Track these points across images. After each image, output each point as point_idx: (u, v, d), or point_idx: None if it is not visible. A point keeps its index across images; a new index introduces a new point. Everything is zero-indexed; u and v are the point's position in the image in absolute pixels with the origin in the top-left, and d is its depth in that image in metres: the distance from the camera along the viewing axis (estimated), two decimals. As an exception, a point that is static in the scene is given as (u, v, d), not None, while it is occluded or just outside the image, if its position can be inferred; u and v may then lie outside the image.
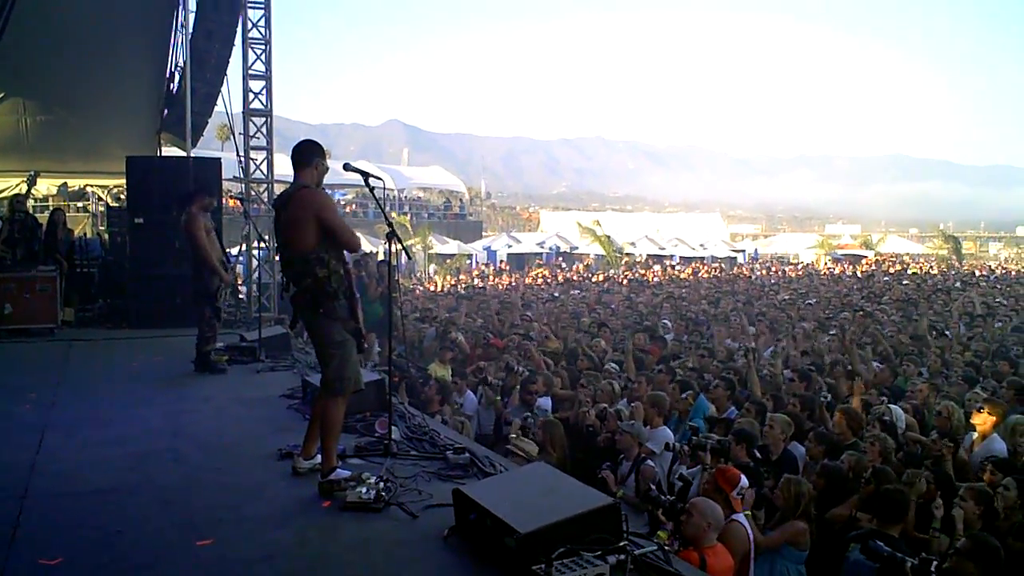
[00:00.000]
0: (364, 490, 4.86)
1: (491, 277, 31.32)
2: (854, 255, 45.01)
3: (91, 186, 25.59)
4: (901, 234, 71.36)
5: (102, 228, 18.92)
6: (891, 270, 34.49)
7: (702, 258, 42.58)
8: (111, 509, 4.88)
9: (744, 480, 5.38)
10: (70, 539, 4.42)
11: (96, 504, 4.97)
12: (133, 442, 6.33)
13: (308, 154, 5.41)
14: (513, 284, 27.74)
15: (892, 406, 8.18)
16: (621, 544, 3.93)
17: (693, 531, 4.83)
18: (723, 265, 39.24)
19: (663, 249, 45.05)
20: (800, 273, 33.55)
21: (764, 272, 34.24)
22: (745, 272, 34.57)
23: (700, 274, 32.41)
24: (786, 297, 20.79)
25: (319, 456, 5.46)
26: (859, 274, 31.62)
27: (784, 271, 35.01)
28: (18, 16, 11.37)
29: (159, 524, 4.66)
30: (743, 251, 48.97)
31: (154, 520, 4.72)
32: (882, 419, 7.47)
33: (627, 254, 43.00)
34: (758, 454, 6.59)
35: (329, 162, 5.76)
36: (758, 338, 13.10)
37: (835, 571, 5.23)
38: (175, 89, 16.06)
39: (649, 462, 6.68)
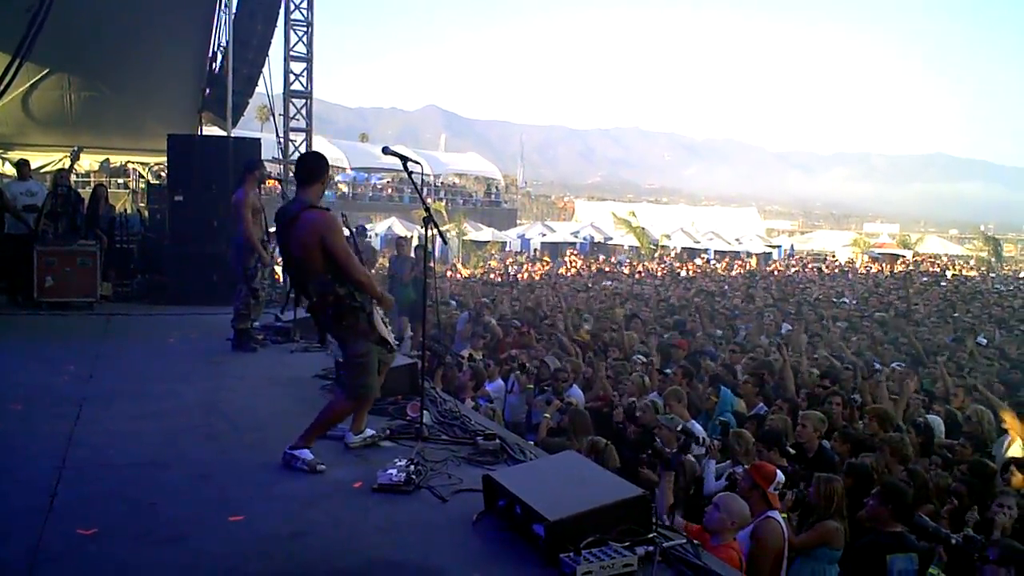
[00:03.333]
0: (395, 472, 4.90)
1: (524, 265, 31.30)
2: (892, 254, 44.42)
3: (132, 163, 25.85)
4: (940, 234, 70.30)
5: (142, 205, 19.11)
6: (929, 270, 34.04)
7: (737, 253, 42.25)
8: (146, 482, 4.95)
9: (780, 476, 5.36)
10: (106, 510, 4.49)
11: (131, 476, 5.04)
12: (168, 417, 6.40)
13: (317, 170, 5.45)
14: (546, 273, 27.71)
15: (930, 416, 8.09)
16: (650, 536, 3.94)
17: (716, 525, 4.84)
18: (759, 261, 38.97)
19: (698, 243, 44.74)
20: (836, 271, 33.21)
21: (799, 269, 33.91)
22: (780, 268, 34.30)
23: (734, 269, 32.19)
24: (820, 295, 20.60)
25: (368, 430, 5.75)
26: (896, 274, 31.21)
27: (820, 268, 34.65)
28: (64, -7, 11.52)
29: (192, 498, 4.72)
30: (779, 247, 48.40)
31: (188, 494, 4.79)
32: (915, 422, 7.40)
33: (662, 246, 42.77)
34: (791, 450, 6.55)
35: (367, 146, 5.81)
36: (792, 335, 13.01)
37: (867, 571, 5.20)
38: (217, 69, 16.21)
39: (690, 456, 6.66)
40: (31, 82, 16.11)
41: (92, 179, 24.46)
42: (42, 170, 19.09)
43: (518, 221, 55.84)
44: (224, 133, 15.24)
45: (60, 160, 17.94)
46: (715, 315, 15.30)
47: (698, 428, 7.43)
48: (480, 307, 13.85)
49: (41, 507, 4.47)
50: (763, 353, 10.88)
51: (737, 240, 46.42)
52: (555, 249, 42.03)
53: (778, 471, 5.41)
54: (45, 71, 16.13)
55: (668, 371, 9.26)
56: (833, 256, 45.85)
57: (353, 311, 5.25)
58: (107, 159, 25.59)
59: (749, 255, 41.46)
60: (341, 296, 5.21)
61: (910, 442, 6.74)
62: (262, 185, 9.35)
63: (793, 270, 33.08)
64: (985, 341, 13.05)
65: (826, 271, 32.51)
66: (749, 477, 5.41)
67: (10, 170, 17.48)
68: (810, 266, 36.01)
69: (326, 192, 6.05)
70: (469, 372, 9.03)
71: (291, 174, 15.24)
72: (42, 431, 5.91)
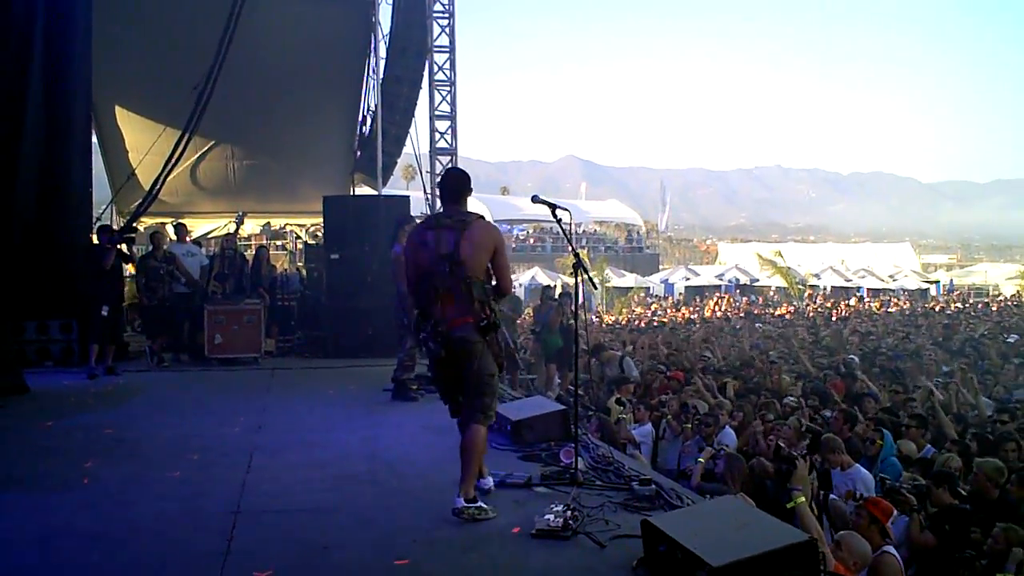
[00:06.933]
0: (552, 517, 4.93)
1: (669, 310, 31.00)
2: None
3: (290, 225, 27.16)
4: (1119, 262, 65.28)
5: (300, 264, 20.05)
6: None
7: (892, 290, 40.45)
8: (315, 527, 5.15)
9: (895, 509, 5.24)
10: (280, 553, 4.69)
11: (301, 521, 5.26)
12: (333, 465, 6.65)
13: (468, 184, 5.64)
14: (692, 317, 27.34)
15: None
16: (818, 582, 3.83)
17: (839, 565, 4.70)
18: (916, 298, 37.20)
19: (849, 281, 43.14)
20: (1002, 306, 31.29)
21: (961, 305, 32.14)
22: (940, 305, 32.63)
23: (890, 307, 30.86)
24: (986, 332, 19.45)
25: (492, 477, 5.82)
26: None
27: (984, 304, 32.74)
28: (226, 70, 12.44)
29: (359, 542, 4.88)
30: (936, 282, 45.96)
31: (355, 539, 4.95)
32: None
33: (811, 286, 41.46)
34: (963, 492, 6.26)
35: (509, 198, 5.98)
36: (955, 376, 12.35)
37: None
38: (367, 132, 16.97)
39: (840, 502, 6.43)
40: (199, 154, 17.34)
41: (253, 242, 25.79)
42: (209, 235, 20.36)
43: (660, 266, 55.46)
44: (375, 192, 15.88)
45: (226, 225, 19.12)
46: (874, 356, 14.69)
47: (864, 475, 7.14)
48: (626, 354, 13.76)
49: (220, 550, 4.72)
50: (924, 395, 10.37)
51: (891, 277, 44.36)
52: (700, 293, 41.42)
53: (894, 507, 5.31)
54: (211, 143, 17.32)
55: (828, 414, 8.95)
56: (997, 290, 43.28)
57: (496, 328, 5.32)
58: (268, 222, 26.95)
59: (905, 292, 39.62)
60: (494, 310, 5.29)
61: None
62: None
63: (954, 306, 31.38)
64: None
65: (992, 307, 30.66)
66: (867, 512, 5.32)
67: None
68: (972, 301, 34.10)
69: None
70: (596, 423, 8.79)
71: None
72: (218, 478, 6.26)
